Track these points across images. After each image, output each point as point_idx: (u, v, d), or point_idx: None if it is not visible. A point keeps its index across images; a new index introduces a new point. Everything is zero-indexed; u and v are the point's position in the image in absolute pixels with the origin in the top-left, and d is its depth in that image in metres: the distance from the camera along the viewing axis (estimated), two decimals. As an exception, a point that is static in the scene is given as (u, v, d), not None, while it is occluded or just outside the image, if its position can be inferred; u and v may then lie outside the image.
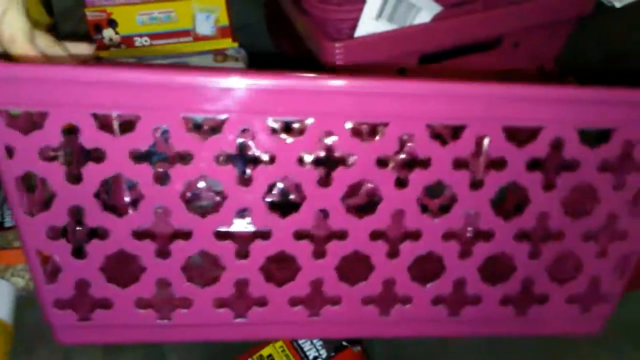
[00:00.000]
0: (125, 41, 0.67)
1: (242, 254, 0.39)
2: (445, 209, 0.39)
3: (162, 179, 0.36)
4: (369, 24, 0.55)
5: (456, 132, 0.37)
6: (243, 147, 0.37)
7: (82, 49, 0.47)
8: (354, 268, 0.41)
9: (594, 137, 0.38)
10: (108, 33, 0.66)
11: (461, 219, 0.39)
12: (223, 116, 0.35)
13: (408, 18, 0.55)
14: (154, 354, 0.47)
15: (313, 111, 0.35)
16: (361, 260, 0.40)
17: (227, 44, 0.68)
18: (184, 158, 0.36)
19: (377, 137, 0.36)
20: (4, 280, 0.48)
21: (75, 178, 0.35)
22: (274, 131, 0.36)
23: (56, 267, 0.38)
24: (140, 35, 0.66)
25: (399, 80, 0.35)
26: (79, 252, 0.38)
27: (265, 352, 0.45)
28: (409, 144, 0.37)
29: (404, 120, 0.36)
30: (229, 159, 0.36)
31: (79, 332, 0.40)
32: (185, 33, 0.67)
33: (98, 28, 0.66)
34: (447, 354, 0.48)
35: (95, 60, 0.51)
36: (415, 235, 0.40)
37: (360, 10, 0.54)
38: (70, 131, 0.35)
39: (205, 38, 0.68)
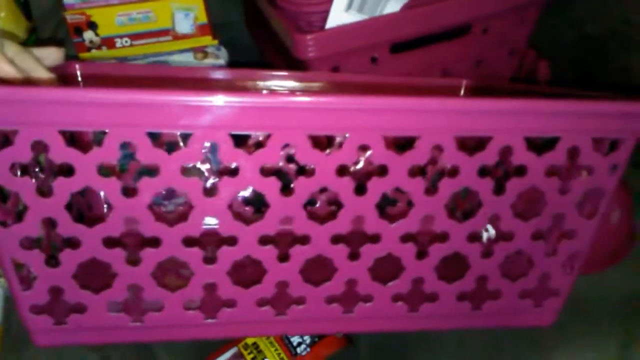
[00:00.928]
0: (106, 43, 0.67)
1: (210, 259, 0.41)
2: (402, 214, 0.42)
3: (129, 191, 0.37)
4: (339, 15, 0.56)
5: (412, 142, 0.39)
6: (207, 160, 0.39)
7: (51, 53, 0.48)
8: (318, 270, 0.43)
9: (541, 145, 0.41)
10: (88, 35, 0.67)
11: (417, 222, 0.42)
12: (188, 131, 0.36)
13: (377, 8, 0.56)
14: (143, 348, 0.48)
15: (274, 126, 0.37)
16: (325, 263, 0.42)
17: (207, 41, 0.69)
18: (151, 171, 0.37)
19: (330, 149, 0.38)
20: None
21: (46, 192, 0.37)
22: (237, 144, 0.37)
23: (31, 274, 0.40)
24: (121, 37, 0.67)
25: (353, 96, 0.36)
26: (53, 260, 0.40)
27: (250, 340, 0.47)
28: (367, 154, 0.39)
29: (362, 131, 0.38)
30: (195, 171, 0.38)
31: (55, 335, 0.42)
32: (164, 32, 0.68)
33: (79, 31, 0.66)
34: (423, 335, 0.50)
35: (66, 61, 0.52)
36: (374, 239, 0.42)
37: (330, 2, 0.55)
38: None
39: (184, 37, 0.68)
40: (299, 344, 0.48)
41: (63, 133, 0.36)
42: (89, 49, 0.67)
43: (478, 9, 0.60)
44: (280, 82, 0.59)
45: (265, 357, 0.46)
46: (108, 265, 0.40)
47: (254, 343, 0.47)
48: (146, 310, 0.42)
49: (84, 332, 0.42)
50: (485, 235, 0.46)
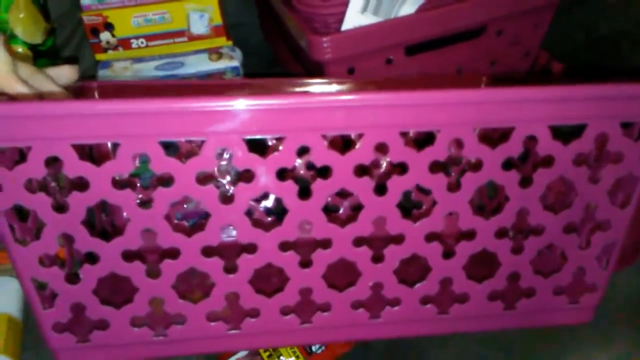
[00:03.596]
0: (122, 43, 0.68)
1: (231, 268, 0.40)
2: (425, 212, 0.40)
3: (145, 202, 0.37)
4: (354, 17, 0.56)
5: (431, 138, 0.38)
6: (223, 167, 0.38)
7: (65, 72, 0.48)
8: (342, 275, 0.42)
9: (568, 133, 0.39)
10: (105, 36, 0.68)
11: (441, 220, 0.40)
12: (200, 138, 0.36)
13: (393, 10, 0.56)
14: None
15: (287, 128, 0.36)
16: (348, 268, 0.41)
17: (222, 42, 0.69)
18: (166, 181, 0.37)
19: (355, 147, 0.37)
20: (13, 278, 0.50)
21: (61, 207, 0.37)
22: (251, 149, 0.37)
23: (53, 292, 0.40)
24: (137, 37, 0.68)
25: (367, 92, 0.36)
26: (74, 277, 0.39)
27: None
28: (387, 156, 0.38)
29: (378, 129, 0.37)
30: (210, 178, 0.37)
31: (78, 354, 0.42)
32: (180, 33, 0.68)
33: (95, 32, 0.67)
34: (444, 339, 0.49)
35: (79, 82, 0.53)
36: (398, 240, 0.41)
37: (346, 4, 0.56)
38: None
39: (199, 37, 0.69)
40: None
41: (78, 147, 0.35)
42: (105, 50, 0.68)
43: (493, 11, 0.59)
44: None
45: (281, 355, 0.45)
46: (128, 279, 0.39)
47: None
48: (169, 324, 0.41)
49: (108, 349, 0.42)
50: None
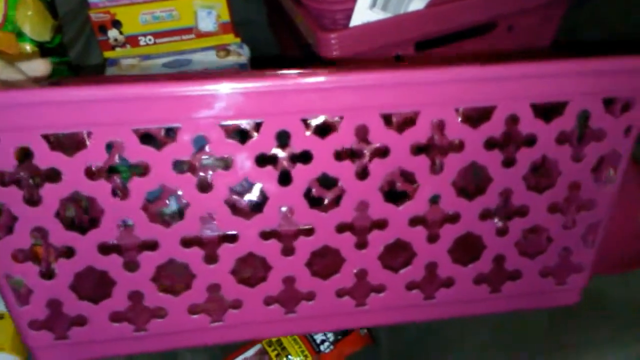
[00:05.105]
0: (129, 41, 0.68)
1: (211, 258, 0.39)
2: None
3: (120, 192, 0.36)
4: (363, 13, 0.55)
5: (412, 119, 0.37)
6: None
7: (38, 65, 0.47)
8: (326, 263, 0.41)
9: (548, 110, 0.39)
10: (113, 34, 0.67)
11: (425, 203, 0.40)
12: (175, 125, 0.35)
13: (402, 6, 0.55)
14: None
15: (266, 112, 0.35)
16: (332, 254, 0.40)
17: (230, 39, 0.69)
18: (141, 169, 0.36)
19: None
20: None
21: (34, 200, 0.35)
22: (228, 135, 0.36)
23: (28, 289, 0.38)
24: (144, 35, 0.67)
25: (346, 73, 0.35)
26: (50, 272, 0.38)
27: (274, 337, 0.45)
28: (366, 135, 0.37)
29: (357, 111, 0.36)
30: (186, 166, 0.36)
31: (57, 351, 0.40)
32: (187, 30, 0.68)
33: (103, 29, 0.67)
34: (448, 330, 0.49)
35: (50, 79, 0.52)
36: (381, 225, 0.40)
37: (355, 0, 0.55)
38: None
39: (207, 34, 0.68)
40: (323, 341, 0.46)
41: (50, 136, 0.34)
42: (113, 47, 0.68)
43: (503, 6, 0.59)
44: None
45: (289, 354, 0.44)
46: (106, 273, 0.38)
47: (278, 340, 0.46)
48: (150, 318, 0.40)
49: (87, 346, 0.41)
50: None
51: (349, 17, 0.56)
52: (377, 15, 0.55)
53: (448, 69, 0.36)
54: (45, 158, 0.34)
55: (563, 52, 0.47)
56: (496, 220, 0.42)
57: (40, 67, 0.48)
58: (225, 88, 0.34)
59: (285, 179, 0.37)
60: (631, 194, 0.46)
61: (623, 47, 0.67)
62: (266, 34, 0.80)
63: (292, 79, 0.35)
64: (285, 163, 0.44)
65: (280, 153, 0.44)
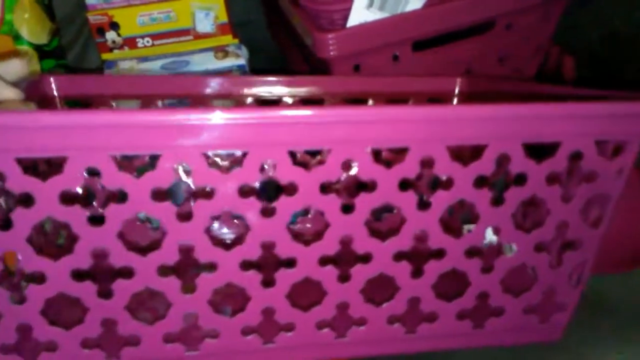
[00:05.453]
0: (127, 43, 0.67)
1: (189, 288, 0.38)
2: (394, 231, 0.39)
3: (96, 220, 0.34)
4: (360, 13, 0.55)
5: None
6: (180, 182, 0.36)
7: (13, 67, 0.46)
8: (306, 294, 0.40)
9: (539, 151, 0.38)
10: (111, 36, 0.66)
11: (410, 239, 0.39)
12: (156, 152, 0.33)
13: (399, 5, 0.55)
14: None
15: (251, 143, 0.34)
16: (312, 286, 0.40)
17: (228, 40, 0.68)
18: (118, 197, 0.34)
19: (314, 164, 0.35)
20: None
21: (4, 224, 0.34)
22: (211, 164, 0.35)
23: (-3, 312, 0.37)
24: (142, 37, 0.67)
25: (334, 107, 0.34)
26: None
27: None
28: (353, 169, 0.36)
29: (346, 145, 0.35)
30: (167, 194, 0.35)
31: (25, 377, 0.39)
32: (185, 32, 0.67)
33: (101, 31, 0.66)
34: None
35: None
36: (365, 258, 0.39)
37: (352, 0, 0.54)
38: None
39: (205, 36, 0.68)
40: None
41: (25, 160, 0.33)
42: (111, 49, 0.67)
43: (502, 5, 0.58)
44: (271, 87, 0.56)
45: None
46: (78, 299, 0.37)
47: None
48: (122, 345, 0.39)
49: (57, 372, 0.39)
50: (486, 240, 0.42)
51: (346, 17, 0.55)
52: (374, 15, 0.55)
53: (437, 107, 0.35)
54: (18, 182, 0.33)
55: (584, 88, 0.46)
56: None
57: (15, 68, 0.46)
58: (211, 118, 0.32)
59: (268, 210, 0.36)
60: (632, 195, 0.45)
61: (625, 46, 0.67)
62: (264, 35, 0.80)
63: (278, 112, 0.33)
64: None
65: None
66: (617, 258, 0.52)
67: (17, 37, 0.58)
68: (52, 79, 0.53)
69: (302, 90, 0.56)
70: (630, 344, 0.46)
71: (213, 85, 0.56)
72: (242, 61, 0.66)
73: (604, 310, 0.50)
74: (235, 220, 0.50)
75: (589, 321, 0.48)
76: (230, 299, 0.39)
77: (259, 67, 0.69)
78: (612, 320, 0.49)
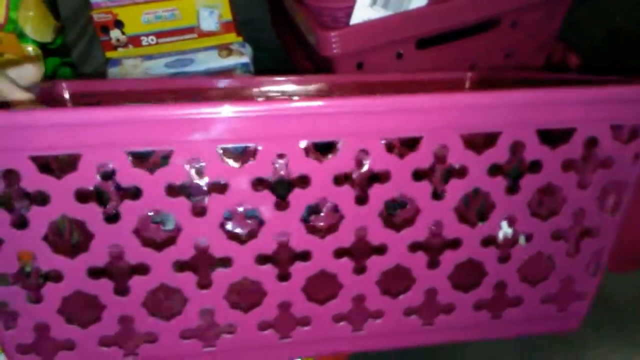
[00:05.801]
0: (132, 41, 0.67)
1: (204, 283, 0.38)
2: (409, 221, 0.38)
3: (111, 217, 0.34)
4: (364, 11, 0.55)
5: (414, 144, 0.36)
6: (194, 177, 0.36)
7: (28, 72, 0.46)
8: (322, 288, 0.40)
9: (555, 137, 0.37)
10: (115, 34, 0.67)
11: (426, 229, 0.38)
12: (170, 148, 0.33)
13: (403, 3, 0.55)
14: None
15: (263, 136, 0.34)
16: (328, 279, 0.39)
17: (232, 38, 0.69)
18: (133, 193, 0.34)
19: (331, 156, 0.35)
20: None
21: (21, 223, 0.34)
22: (224, 158, 0.35)
23: (14, 312, 0.37)
24: (147, 35, 0.67)
25: (349, 98, 0.34)
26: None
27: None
28: (366, 160, 0.36)
29: (359, 136, 0.35)
30: (181, 190, 0.35)
31: (44, 376, 0.39)
32: (189, 30, 0.68)
33: (105, 29, 0.66)
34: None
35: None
36: (380, 250, 0.39)
37: None
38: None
39: (209, 34, 0.68)
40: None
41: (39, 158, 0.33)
42: (115, 48, 0.67)
43: (507, 2, 0.58)
44: (280, 87, 0.56)
45: None
46: (95, 297, 0.37)
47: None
48: (140, 342, 0.39)
49: (75, 370, 0.39)
50: (501, 234, 0.42)
51: (349, 15, 0.55)
52: (378, 12, 0.55)
53: (450, 95, 0.35)
54: (33, 180, 0.33)
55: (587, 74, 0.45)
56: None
57: (29, 73, 0.47)
58: (222, 112, 0.32)
59: (282, 204, 0.36)
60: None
61: (627, 43, 0.66)
62: (269, 33, 0.80)
63: (290, 104, 0.33)
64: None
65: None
66: (631, 256, 0.51)
67: (21, 35, 0.58)
68: (64, 84, 0.54)
69: (311, 88, 0.56)
70: (634, 343, 0.46)
71: (222, 86, 0.56)
72: (246, 59, 0.67)
73: (608, 309, 0.49)
74: (248, 221, 0.50)
75: (593, 319, 0.47)
76: (247, 294, 0.39)
77: (263, 66, 0.69)
78: (616, 319, 0.48)
